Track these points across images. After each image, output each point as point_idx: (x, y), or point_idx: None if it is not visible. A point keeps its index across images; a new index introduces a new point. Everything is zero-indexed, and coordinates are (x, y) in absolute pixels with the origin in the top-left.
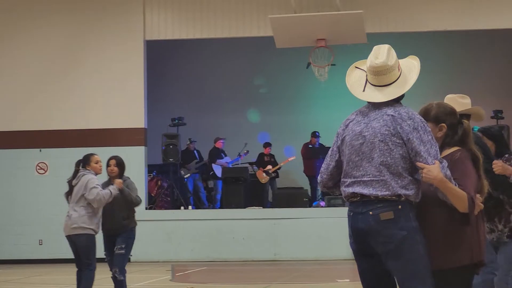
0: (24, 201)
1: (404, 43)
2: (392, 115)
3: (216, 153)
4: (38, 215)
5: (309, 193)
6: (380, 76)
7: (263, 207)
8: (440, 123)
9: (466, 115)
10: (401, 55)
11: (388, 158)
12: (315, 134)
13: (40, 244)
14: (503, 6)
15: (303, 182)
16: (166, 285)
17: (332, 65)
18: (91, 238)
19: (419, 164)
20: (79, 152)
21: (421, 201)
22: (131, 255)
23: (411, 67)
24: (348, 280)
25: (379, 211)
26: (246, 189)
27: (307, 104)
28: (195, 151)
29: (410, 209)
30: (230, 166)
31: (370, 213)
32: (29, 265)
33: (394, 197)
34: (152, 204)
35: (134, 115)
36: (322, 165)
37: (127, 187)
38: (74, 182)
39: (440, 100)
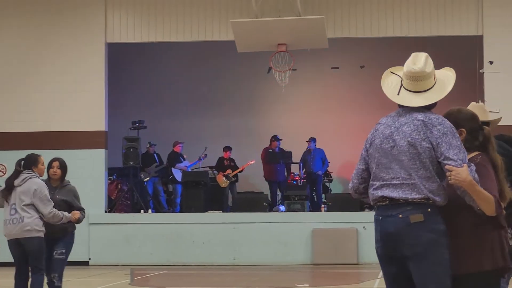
0: None
1: (364, 48)
2: (422, 120)
3: (175, 157)
4: None
5: (269, 197)
6: (417, 82)
7: (223, 211)
8: (460, 128)
9: (487, 122)
10: (361, 59)
11: (418, 162)
12: (275, 138)
13: None
14: (461, 14)
15: (263, 187)
16: None
17: (292, 70)
18: (42, 241)
19: (448, 167)
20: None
21: (445, 205)
22: (89, 259)
23: (447, 77)
24: (307, 285)
25: (409, 214)
26: (206, 193)
27: (268, 109)
28: (154, 155)
29: (438, 212)
30: (189, 170)
31: (400, 216)
32: None
33: (423, 200)
34: (112, 207)
35: (94, 118)
36: (354, 172)
37: (73, 195)
38: (17, 182)
39: (462, 106)
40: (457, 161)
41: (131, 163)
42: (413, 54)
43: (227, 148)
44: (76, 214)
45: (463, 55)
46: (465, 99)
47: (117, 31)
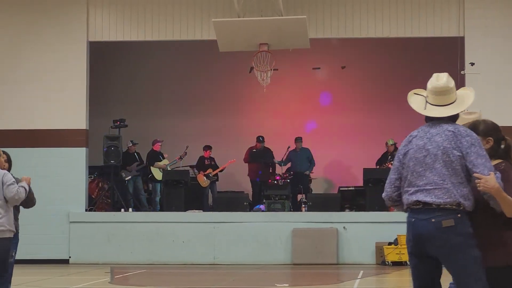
0: None
1: (345, 49)
2: (453, 131)
3: (154, 156)
4: None
5: (250, 197)
6: (441, 97)
7: (203, 211)
8: (488, 137)
9: None
10: (342, 60)
11: (450, 169)
12: (259, 140)
13: None
14: (443, 15)
15: (244, 186)
16: None
17: (274, 69)
18: (11, 242)
19: (476, 174)
20: (20, 153)
21: None
22: (69, 257)
23: (466, 93)
24: (287, 284)
25: (441, 219)
26: (187, 192)
27: (249, 108)
28: (135, 153)
29: (467, 217)
30: (169, 168)
31: (432, 220)
32: None
33: (454, 206)
34: (93, 205)
35: (75, 116)
36: (386, 182)
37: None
38: None
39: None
40: (484, 169)
41: (112, 161)
42: (434, 74)
43: (208, 147)
44: (26, 178)
45: (444, 56)
46: None
47: (99, 29)
